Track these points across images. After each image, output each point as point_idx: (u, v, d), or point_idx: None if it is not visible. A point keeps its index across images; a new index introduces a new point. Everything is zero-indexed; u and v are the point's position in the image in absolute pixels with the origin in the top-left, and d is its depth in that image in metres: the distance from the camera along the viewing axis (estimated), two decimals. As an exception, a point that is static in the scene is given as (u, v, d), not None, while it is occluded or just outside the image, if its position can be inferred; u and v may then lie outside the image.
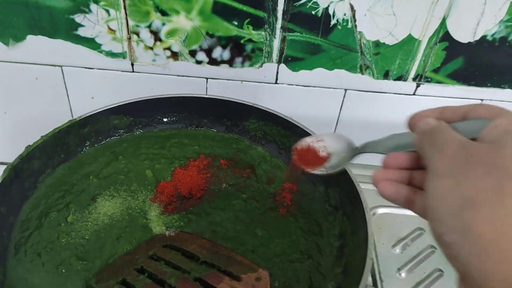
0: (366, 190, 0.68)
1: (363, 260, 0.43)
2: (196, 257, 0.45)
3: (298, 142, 0.46)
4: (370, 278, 0.56)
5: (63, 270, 0.46)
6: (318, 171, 0.42)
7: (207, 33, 0.66)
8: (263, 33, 0.66)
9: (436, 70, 0.69)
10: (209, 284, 0.41)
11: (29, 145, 0.52)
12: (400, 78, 0.70)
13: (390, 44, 0.67)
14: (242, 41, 0.67)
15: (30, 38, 0.67)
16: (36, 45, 0.68)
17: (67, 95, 0.75)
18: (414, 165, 0.36)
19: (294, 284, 0.47)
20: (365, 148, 0.41)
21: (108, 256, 0.48)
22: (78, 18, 0.65)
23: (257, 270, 0.43)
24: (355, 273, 0.44)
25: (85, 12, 0.64)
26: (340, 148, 0.43)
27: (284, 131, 0.62)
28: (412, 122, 0.36)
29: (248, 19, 0.65)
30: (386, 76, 0.70)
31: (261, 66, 0.70)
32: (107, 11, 0.64)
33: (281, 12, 0.64)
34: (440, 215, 0.27)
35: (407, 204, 0.35)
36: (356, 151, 0.42)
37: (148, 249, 0.47)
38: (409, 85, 0.71)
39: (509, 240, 0.24)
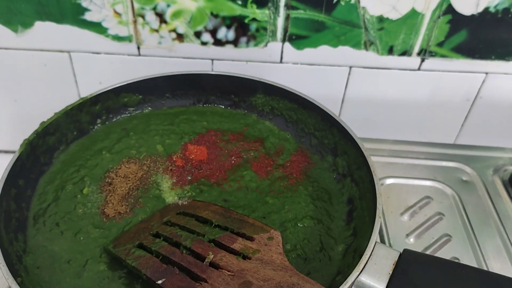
0: (374, 162, 0.69)
1: (372, 220, 0.44)
2: (210, 222, 0.46)
3: None
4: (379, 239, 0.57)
5: (81, 238, 0.48)
6: None
7: (212, 14, 0.67)
8: (267, 11, 0.66)
9: (440, 44, 0.69)
10: (223, 245, 0.43)
11: (44, 121, 0.54)
12: (404, 53, 0.70)
13: (394, 19, 0.66)
14: (246, 21, 0.67)
15: (38, 24, 0.68)
16: (44, 31, 0.68)
17: (75, 81, 0.75)
18: None
19: (305, 246, 0.48)
20: None
21: (124, 225, 0.49)
22: (85, 2, 0.65)
23: (269, 231, 0.44)
24: (365, 233, 0.45)
25: (92, -4, 0.65)
26: None
27: (291, 104, 0.63)
28: None
29: (252, -2, 0.65)
30: (390, 51, 0.70)
31: (266, 45, 0.70)
32: (113, -6, 0.65)
33: (285, -11, 0.64)
34: None
35: None
36: None
37: (162, 216, 0.48)
38: (413, 60, 0.71)
39: None
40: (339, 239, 0.49)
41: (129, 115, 0.65)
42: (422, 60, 0.72)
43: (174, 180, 0.55)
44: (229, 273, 0.39)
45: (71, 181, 0.53)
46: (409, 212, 0.62)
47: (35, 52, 0.71)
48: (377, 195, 0.45)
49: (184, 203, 0.51)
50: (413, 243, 0.58)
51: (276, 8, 0.66)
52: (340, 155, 0.57)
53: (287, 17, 0.67)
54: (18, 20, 0.67)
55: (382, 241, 0.58)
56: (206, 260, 0.41)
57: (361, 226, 0.47)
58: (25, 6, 0.66)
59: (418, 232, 0.59)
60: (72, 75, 0.75)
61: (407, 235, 0.59)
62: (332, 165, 0.58)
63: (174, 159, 0.58)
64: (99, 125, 0.63)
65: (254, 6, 0.66)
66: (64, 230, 0.48)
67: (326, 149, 0.60)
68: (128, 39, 0.70)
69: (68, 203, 0.51)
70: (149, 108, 0.67)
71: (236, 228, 0.44)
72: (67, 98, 0.77)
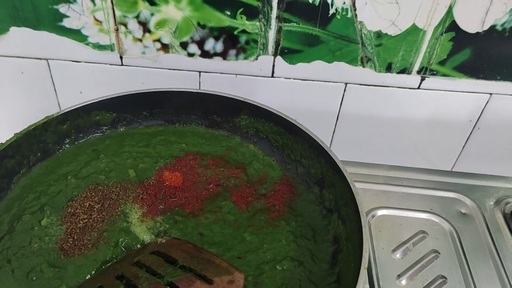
0: (365, 190, 0.65)
1: (357, 268, 0.40)
2: (176, 262, 0.43)
3: None
4: (367, 286, 0.52)
5: (34, 278, 0.44)
6: None
7: (199, 24, 0.64)
8: (257, 23, 0.64)
9: (442, 63, 0.66)
10: None
11: (1, 143, 0.50)
12: (403, 71, 0.67)
13: (393, 35, 0.64)
14: (235, 32, 0.65)
15: (13, 30, 0.65)
16: (20, 37, 0.66)
17: (55, 90, 0.73)
18: None
19: (283, 293, 0.44)
20: None
21: (83, 262, 0.45)
22: (63, 8, 0.63)
23: (232, 273, 0.42)
24: (349, 283, 0.40)
25: (70, 2, 0.62)
26: None
27: (278, 128, 0.59)
28: None
29: (242, 9, 0.62)
30: (388, 69, 0.67)
31: (256, 58, 0.67)
32: (93, 1, 0.63)
33: (276, 1, 0.61)
34: None
35: None
36: None
37: (136, 256, 0.46)
38: (413, 79, 0.68)
39: None
40: (320, 285, 0.45)
41: (101, 134, 0.61)
42: (423, 79, 0.69)
43: (145, 210, 0.51)
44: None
45: (29, 210, 0.49)
46: (402, 248, 0.58)
47: (10, 59, 0.69)
48: (364, 241, 0.41)
49: (163, 241, 0.47)
50: (404, 286, 0.54)
51: (267, 20, 0.63)
52: (327, 187, 0.53)
53: (279, 30, 0.64)
54: (-8, 25, 0.64)
55: (371, 281, 0.53)
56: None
57: (346, 273, 0.43)
58: (-1, 10, 0.63)
59: (411, 272, 0.55)
60: (51, 83, 0.72)
61: (399, 276, 0.55)
62: (318, 198, 0.54)
63: (146, 186, 0.53)
64: (67, 145, 0.59)
65: (244, 17, 0.63)
66: (16, 268, 0.44)
67: (312, 179, 0.56)
68: (109, 47, 0.68)
69: (23, 236, 0.47)
70: (124, 127, 0.63)
71: (199, 270, 0.42)
72: (46, 107, 0.75)
